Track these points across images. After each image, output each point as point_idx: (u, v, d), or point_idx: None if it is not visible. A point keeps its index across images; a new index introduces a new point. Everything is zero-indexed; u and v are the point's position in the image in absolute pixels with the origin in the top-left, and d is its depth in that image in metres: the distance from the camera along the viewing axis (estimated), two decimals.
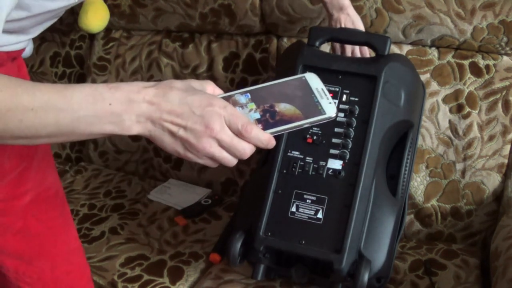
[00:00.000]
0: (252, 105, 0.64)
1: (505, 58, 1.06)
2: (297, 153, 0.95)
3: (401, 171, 0.97)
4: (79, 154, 1.55)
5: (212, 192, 1.33)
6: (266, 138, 0.61)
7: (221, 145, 0.60)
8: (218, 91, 0.65)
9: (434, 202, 1.12)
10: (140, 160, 1.44)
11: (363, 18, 1.10)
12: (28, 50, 1.49)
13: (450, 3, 1.04)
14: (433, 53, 1.11)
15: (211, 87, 0.64)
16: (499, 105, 1.07)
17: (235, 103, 0.64)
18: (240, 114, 0.61)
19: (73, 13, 1.43)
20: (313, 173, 0.93)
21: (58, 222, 0.86)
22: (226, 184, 1.34)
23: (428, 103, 1.11)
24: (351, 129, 0.92)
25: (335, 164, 0.92)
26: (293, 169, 0.94)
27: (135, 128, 0.59)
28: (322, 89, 0.65)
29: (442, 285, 1.00)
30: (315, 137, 0.93)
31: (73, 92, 0.57)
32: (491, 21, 1.02)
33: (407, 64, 0.99)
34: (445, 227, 1.13)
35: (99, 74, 1.44)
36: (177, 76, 1.33)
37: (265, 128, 0.62)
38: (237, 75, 1.27)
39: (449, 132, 1.10)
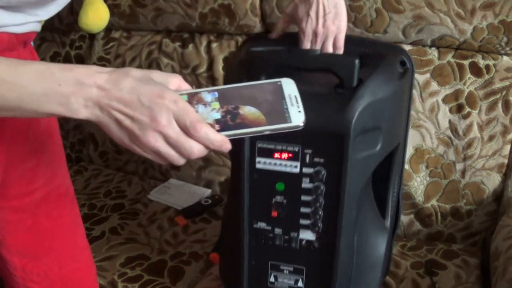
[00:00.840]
0: (216, 105, 0.61)
1: (505, 58, 1.06)
2: (264, 224, 0.83)
3: (388, 194, 0.89)
4: (79, 154, 1.55)
5: (212, 192, 1.33)
6: (218, 140, 0.58)
7: (168, 141, 0.57)
8: (185, 86, 0.61)
9: (434, 202, 1.12)
10: (140, 160, 1.44)
11: (363, 18, 1.10)
12: None
13: (450, 3, 1.04)
14: (433, 53, 1.11)
15: (176, 81, 0.60)
16: (499, 105, 1.07)
17: (199, 101, 0.61)
18: (192, 111, 0.58)
19: (73, 13, 1.43)
20: (285, 244, 0.83)
21: (67, 220, 0.86)
22: (226, 184, 1.34)
23: (428, 103, 1.11)
24: (320, 196, 0.79)
25: (308, 235, 0.81)
26: (263, 241, 0.83)
27: (82, 112, 0.56)
28: (295, 96, 0.62)
29: (443, 285, 1.00)
30: (280, 210, 0.81)
31: (26, 68, 0.57)
32: (491, 21, 1.02)
33: (386, 84, 0.78)
34: (445, 227, 1.13)
35: None
36: None
37: (222, 129, 0.59)
38: None
39: (449, 132, 1.10)
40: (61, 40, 1.53)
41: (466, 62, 1.08)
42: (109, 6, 1.36)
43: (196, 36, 1.33)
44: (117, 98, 0.56)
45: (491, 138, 1.08)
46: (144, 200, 1.31)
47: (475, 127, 1.08)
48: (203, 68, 1.31)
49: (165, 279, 1.04)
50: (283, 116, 0.61)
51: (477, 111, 1.08)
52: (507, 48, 1.05)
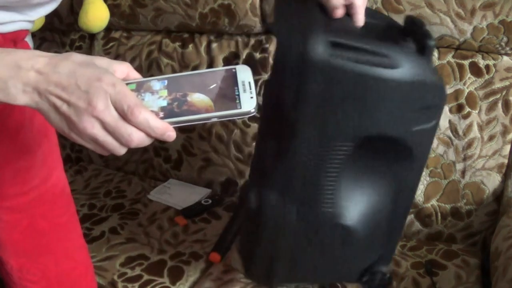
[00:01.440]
0: (164, 92, 0.58)
1: (505, 58, 1.06)
2: None
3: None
4: (79, 154, 1.55)
5: (212, 192, 1.33)
6: (159, 126, 0.54)
7: (105, 127, 0.53)
8: (134, 75, 0.58)
9: (434, 202, 1.12)
10: (140, 160, 1.44)
11: None
12: None
13: (450, 3, 1.04)
14: (433, 53, 1.11)
15: (122, 69, 0.57)
16: (499, 105, 1.07)
17: (147, 89, 0.58)
18: (131, 95, 0.54)
19: (73, 13, 1.43)
20: None
21: (63, 219, 0.86)
22: (226, 184, 1.34)
23: None
24: None
25: None
26: None
27: (21, 98, 0.53)
28: (249, 83, 0.60)
29: (443, 284, 1.00)
30: None
31: None
32: (491, 21, 1.02)
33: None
34: (445, 227, 1.13)
35: None
36: None
37: (165, 117, 0.56)
38: None
39: (449, 132, 1.10)
40: (61, 40, 1.53)
41: (466, 62, 1.08)
42: (109, 6, 1.36)
43: (196, 36, 1.33)
44: (55, 82, 0.53)
45: (491, 138, 1.08)
46: (144, 200, 1.31)
47: (475, 127, 1.08)
48: (203, 68, 1.31)
49: (165, 279, 1.04)
50: (233, 102, 0.58)
51: (477, 111, 1.08)
52: (507, 48, 1.05)
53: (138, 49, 1.39)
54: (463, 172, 1.10)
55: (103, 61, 0.56)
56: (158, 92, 0.58)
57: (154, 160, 1.41)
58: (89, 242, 1.15)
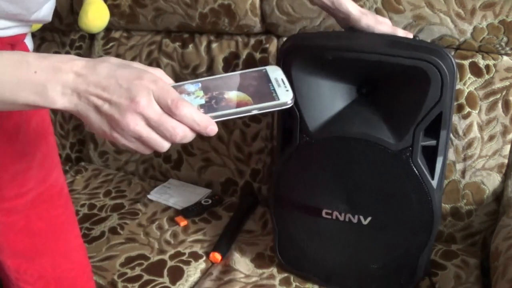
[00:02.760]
0: (200, 93, 0.59)
1: (505, 58, 1.06)
2: None
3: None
4: (79, 154, 1.55)
5: (212, 192, 1.33)
6: (203, 120, 0.55)
7: (149, 123, 0.54)
8: (167, 80, 0.59)
9: None
10: (140, 160, 1.44)
11: None
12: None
13: (450, 3, 1.04)
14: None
15: (156, 73, 0.58)
16: (499, 105, 1.07)
17: (182, 92, 0.59)
18: (173, 90, 0.55)
19: (73, 13, 1.43)
20: None
21: (60, 220, 0.86)
22: (226, 184, 1.34)
23: None
24: None
25: None
26: None
27: (60, 100, 0.54)
28: (282, 79, 0.62)
29: (442, 285, 1.00)
30: None
31: (1, 56, 0.54)
32: (491, 21, 1.02)
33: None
34: (445, 227, 1.13)
35: None
36: (177, 76, 1.33)
37: (206, 112, 0.57)
38: None
39: None
40: (61, 40, 1.53)
41: (466, 62, 1.08)
42: (109, 6, 1.36)
43: (196, 36, 1.33)
44: (94, 82, 0.54)
45: (491, 138, 1.08)
46: (144, 200, 1.31)
47: (475, 127, 1.08)
48: (203, 68, 1.31)
49: (165, 279, 1.04)
50: (271, 95, 0.60)
51: (477, 111, 1.08)
52: (507, 48, 1.05)
53: (138, 49, 1.39)
54: (463, 172, 1.10)
55: (138, 65, 0.57)
56: (194, 93, 0.59)
57: (154, 160, 1.41)
58: (89, 242, 1.15)
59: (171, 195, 1.31)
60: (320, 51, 0.87)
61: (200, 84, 0.61)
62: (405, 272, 0.96)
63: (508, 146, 1.08)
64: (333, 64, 0.87)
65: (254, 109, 0.58)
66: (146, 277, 1.04)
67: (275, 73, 0.63)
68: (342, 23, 0.95)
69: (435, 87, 0.82)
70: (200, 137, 1.32)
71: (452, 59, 0.84)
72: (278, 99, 0.59)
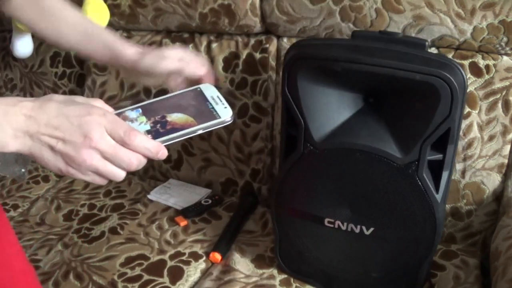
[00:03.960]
0: (143, 119, 0.62)
1: (505, 58, 1.06)
2: None
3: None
4: None
5: (212, 192, 1.33)
6: (154, 146, 0.58)
7: (104, 156, 0.56)
8: (107, 109, 0.61)
9: None
10: None
11: (363, 18, 1.10)
12: (28, 50, 1.49)
13: (450, 3, 1.04)
14: (432, 52, 1.11)
15: (98, 104, 0.60)
16: (499, 105, 1.07)
17: (125, 119, 0.62)
18: (122, 121, 0.58)
19: None
20: None
21: None
22: (226, 184, 1.34)
23: None
24: None
25: None
26: None
27: (12, 143, 0.55)
28: (218, 96, 0.65)
29: (441, 286, 1.00)
30: None
31: None
32: (491, 21, 1.02)
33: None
34: (445, 227, 1.13)
35: (99, 74, 1.44)
36: None
37: (155, 137, 0.60)
38: (237, 75, 1.27)
39: None
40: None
41: (466, 62, 1.08)
42: (109, 6, 1.36)
43: (196, 36, 1.33)
44: (45, 123, 0.55)
45: (491, 138, 1.08)
46: (144, 200, 1.31)
47: (475, 127, 1.08)
48: None
49: (165, 279, 1.04)
50: (211, 114, 0.63)
51: (477, 111, 1.08)
52: (507, 48, 1.05)
53: None
54: (463, 172, 1.10)
55: (80, 99, 0.59)
56: (137, 119, 0.62)
57: (154, 160, 1.41)
58: (89, 242, 1.15)
59: (171, 195, 1.31)
60: (328, 62, 0.86)
61: (140, 110, 0.63)
62: (405, 282, 0.96)
63: (508, 146, 1.08)
64: (340, 75, 0.86)
65: (199, 129, 0.62)
66: (146, 277, 1.04)
67: (210, 90, 0.66)
68: (127, 71, 0.87)
69: (445, 103, 0.81)
70: (200, 137, 1.33)
71: (463, 74, 0.82)
72: (220, 117, 0.63)
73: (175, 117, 0.62)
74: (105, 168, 0.57)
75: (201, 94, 0.66)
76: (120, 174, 0.59)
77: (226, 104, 0.65)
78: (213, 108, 0.64)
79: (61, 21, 0.85)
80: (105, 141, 0.56)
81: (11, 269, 0.87)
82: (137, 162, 0.58)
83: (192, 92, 0.66)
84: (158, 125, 0.61)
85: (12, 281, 0.86)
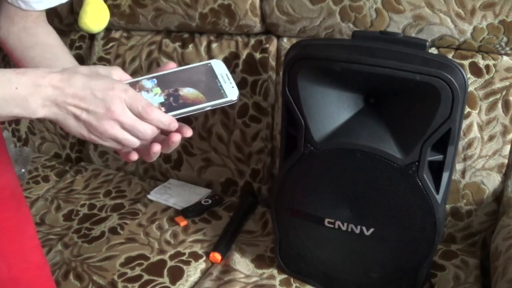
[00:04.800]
0: (158, 90, 0.67)
1: (505, 58, 1.06)
2: None
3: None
4: (79, 154, 1.55)
5: (212, 192, 1.33)
6: (167, 120, 0.64)
7: (123, 127, 0.63)
8: (125, 77, 0.67)
9: None
10: (140, 160, 1.43)
11: (363, 18, 1.10)
12: None
13: (450, 3, 1.04)
14: (433, 52, 1.11)
15: (118, 73, 0.67)
16: (499, 105, 1.07)
17: (141, 88, 0.67)
18: (141, 96, 0.64)
19: (73, 13, 1.43)
20: None
21: (12, 223, 0.87)
22: (226, 184, 1.34)
23: None
24: None
25: None
26: None
27: (40, 111, 0.61)
28: (226, 75, 0.70)
29: (441, 286, 1.00)
30: None
31: None
32: (491, 21, 1.02)
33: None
34: (445, 227, 1.13)
35: None
36: None
37: (167, 111, 0.65)
38: (237, 75, 1.27)
39: None
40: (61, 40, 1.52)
41: (466, 62, 1.08)
42: (109, 6, 1.36)
43: (196, 36, 1.33)
44: (72, 94, 0.61)
45: (491, 138, 1.08)
46: (144, 200, 1.31)
47: (475, 127, 1.08)
48: None
49: (165, 279, 1.04)
50: (219, 92, 0.68)
51: (477, 111, 1.08)
52: (507, 48, 1.05)
53: (138, 49, 1.39)
54: (463, 172, 1.10)
55: (102, 69, 0.66)
56: (152, 90, 0.67)
57: (154, 160, 1.41)
58: (89, 242, 1.15)
59: (171, 195, 1.31)
60: (328, 62, 0.86)
61: (155, 80, 0.68)
62: (406, 282, 0.96)
63: (508, 146, 1.08)
64: (341, 75, 0.86)
65: (207, 106, 0.67)
66: (146, 277, 1.04)
67: (220, 68, 0.71)
68: None
69: (446, 104, 0.81)
70: (200, 137, 1.33)
71: (464, 74, 0.82)
72: (227, 96, 0.68)
73: (187, 92, 0.67)
74: (123, 136, 0.63)
75: (211, 70, 0.70)
76: (136, 142, 0.65)
77: (234, 84, 0.69)
78: (221, 86, 0.69)
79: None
80: (125, 114, 0.62)
81: (28, 262, 0.89)
82: (151, 133, 0.64)
83: (204, 67, 0.71)
84: (171, 98, 0.66)
85: (28, 274, 0.88)
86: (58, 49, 0.89)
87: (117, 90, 0.62)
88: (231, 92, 0.68)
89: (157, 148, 0.68)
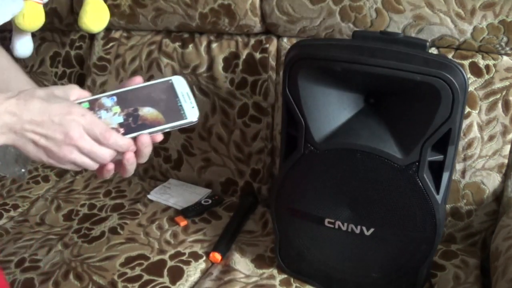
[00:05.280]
0: (117, 109, 0.67)
1: (505, 58, 1.06)
2: None
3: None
4: None
5: (212, 192, 1.33)
6: (126, 144, 0.65)
7: (81, 151, 0.63)
8: (84, 94, 0.67)
9: None
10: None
11: (363, 18, 1.10)
12: (28, 50, 1.49)
13: (450, 3, 1.04)
14: (433, 53, 1.11)
15: (75, 92, 0.67)
16: (499, 105, 1.07)
17: (100, 106, 0.67)
18: (99, 121, 0.64)
19: (73, 13, 1.43)
20: None
21: None
22: (226, 184, 1.34)
23: None
24: None
25: None
26: None
27: None
28: (187, 93, 0.69)
29: (441, 286, 1.00)
30: None
31: None
32: (491, 21, 1.02)
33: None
34: (445, 227, 1.13)
35: (99, 74, 1.44)
36: None
37: (126, 132, 0.65)
38: (237, 75, 1.27)
39: None
40: (61, 40, 1.53)
41: (466, 62, 1.08)
42: (109, 6, 1.36)
43: (196, 36, 1.33)
44: (29, 120, 0.61)
45: (491, 138, 1.08)
46: (144, 200, 1.31)
47: (475, 127, 1.08)
48: (203, 68, 1.31)
49: (165, 279, 1.04)
50: (179, 113, 0.67)
51: (477, 111, 1.08)
52: (507, 48, 1.05)
53: (138, 49, 1.39)
54: (463, 172, 1.10)
55: (59, 91, 0.65)
56: (111, 109, 0.67)
57: (154, 160, 1.41)
58: (89, 242, 1.15)
59: (171, 195, 1.31)
60: (329, 62, 0.86)
61: (115, 98, 0.67)
62: (406, 282, 0.96)
63: (508, 146, 1.08)
64: (341, 75, 0.86)
65: (166, 128, 0.67)
66: (146, 277, 1.04)
67: (181, 86, 0.70)
68: None
69: (446, 104, 0.81)
70: (200, 137, 1.33)
71: (464, 75, 0.82)
72: (186, 118, 0.67)
73: (146, 112, 0.67)
74: (82, 161, 0.64)
75: (172, 88, 0.69)
76: (94, 166, 0.66)
77: (194, 104, 0.68)
78: (181, 106, 0.68)
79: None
80: (83, 139, 0.63)
81: None
82: (109, 157, 0.65)
83: (165, 85, 0.70)
84: (131, 119, 0.66)
85: None
86: (12, 71, 0.86)
87: (75, 114, 0.62)
88: (191, 113, 0.67)
89: (110, 167, 0.68)
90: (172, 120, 0.67)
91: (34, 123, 0.61)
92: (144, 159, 0.68)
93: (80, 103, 0.66)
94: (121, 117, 0.66)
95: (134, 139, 0.66)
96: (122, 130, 0.65)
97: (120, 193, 1.35)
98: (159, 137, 0.68)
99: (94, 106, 0.66)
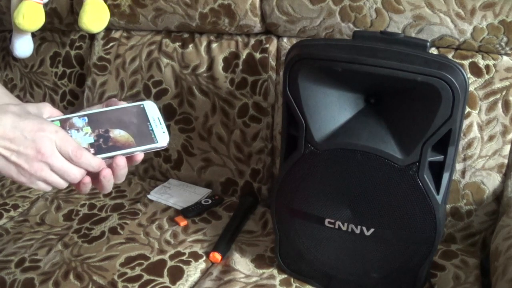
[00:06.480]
0: (88, 129, 0.67)
1: (505, 58, 1.06)
2: None
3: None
4: None
5: (212, 192, 1.33)
6: (97, 163, 0.65)
7: (52, 169, 0.63)
8: (56, 113, 0.67)
9: None
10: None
11: (363, 18, 1.10)
12: (28, 50, 1.49)
13: (450, 3, 1.04)
14: (433, 53, 1.11)
15: (48, 110, 0.66)
16: (499, 105, 1.07)
17: (71, 126, 0.67)
18: (71, 139, 0.64)
19: (73, 13, 1.43)
20: None
21: None
22: (226, 184, 1.34)
23: None
24: None
25: None
26: None
27: None
28: (158, 118, 0.70)
29: (441, 286, 1.00)
30: None
31: None
32: (491, 21, 1.02)
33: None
34: (445, 227, 1.13)
35: (99, 74, 1.44)
36: (177, 76, 1.33)
37: (96, 152, 0.65)
38: (237, 75, 1.27)
39: None
40: (61, 40, 1.53)
41: (466, 62, 1.08)
42: (109, 6, 1.36)
43: (196, 36, 1.33)
44: (1, 135, 0.60)
45: (491, 138, 1.08)
46: (144, 200, 1.31)
47: (475, 127, 1.08)
48: (203, 68, 1.31)
49: (165, 279, 1.04)
50: (150, 137, 0.68)
51: (477, 111, 1.08)
52: (507, 48, 1.05)
53: (138, 49, 1.39)
54: (463, 172, 1.10)
55: (32, 107, 0.65)
56: (82, 129, 0.67)
57: (154, 160, 1.41)
58: (89, 242, 1.15)
59: (171, 195, 1.31)
60: (329, 62, 0.86)
61: (86, 119, 0.68)
62: (406, 282, 0.96)
63: (508, 146, 1.08)
64: (342, 75, 0.86)
65: (137, 151, 0.67)
66: (146, 277, 1.04)
67: (153, 111, 0.71)
68: None
69: (446, 104, 0.81)
70: (200, 137, 1.33)
71: (465, 75, 0.82)
72: (157, 142, 0.68)
73: (117, 134, 0.67)
74: (52, 179, 0.63)
75: (143, 113, 0.70)
76: (64, 185, 0.65)
77: (165, 129, 0.69)
78: (152, 130, 0.69)
79: None
80: (55, 156, 0.62)
81: None
82: (80, 176, 0.65)
83: (136, 109, 0.71)
84: (101, 140, 0.67)
85: None
86: None
87: (47, 131, 0.62)
88: (162, 138, 0.68)
89: (87, 180, 0.67)
90: (142, 143, 0.67)
91: (6, 139, 0.60)
92: (119, 180, 0.68)
93: (52, 121, 0.66)
94: (92, 137, 0.67)
95: (107, 160, 0.66)
96: (92, 150, 0.66)
97: (120, 193, 1.35)
98: (140, 157, 0.67)
99: (65, 125, 0.67)
